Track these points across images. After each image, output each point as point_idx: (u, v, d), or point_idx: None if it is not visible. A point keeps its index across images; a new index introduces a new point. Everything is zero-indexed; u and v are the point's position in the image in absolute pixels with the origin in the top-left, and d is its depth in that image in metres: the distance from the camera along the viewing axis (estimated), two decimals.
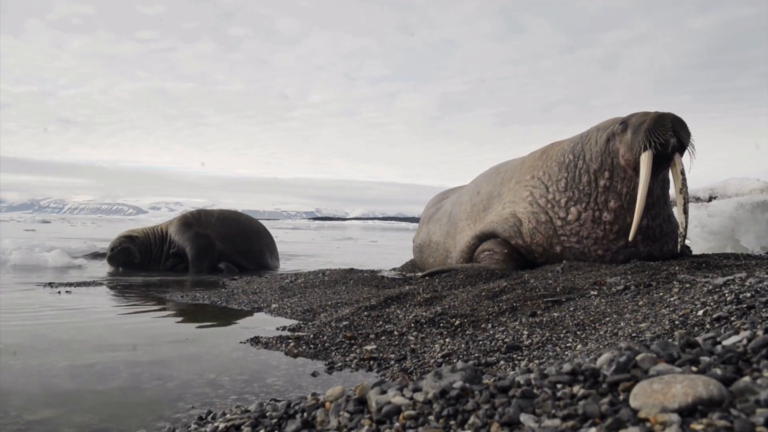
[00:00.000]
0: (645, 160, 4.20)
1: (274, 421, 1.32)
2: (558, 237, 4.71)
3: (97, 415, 2.01)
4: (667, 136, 4.16)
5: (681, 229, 4.22)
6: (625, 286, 3.33)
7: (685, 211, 4.18)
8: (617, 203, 4.46)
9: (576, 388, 1.06)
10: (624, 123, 4.45)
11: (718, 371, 1.00)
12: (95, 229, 27.39)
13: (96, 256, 9.55)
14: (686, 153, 4.31)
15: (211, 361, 2.81)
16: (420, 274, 5.45)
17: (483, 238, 5.24)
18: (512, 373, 1.31)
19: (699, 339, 1.23)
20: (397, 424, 1.08)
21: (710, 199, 7.57)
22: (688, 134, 4.26)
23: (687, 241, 6.26)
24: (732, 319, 2.21)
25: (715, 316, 2.28)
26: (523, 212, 4.95)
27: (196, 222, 8.39)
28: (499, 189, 5.43)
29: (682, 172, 4.19)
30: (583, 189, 4.62)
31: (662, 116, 4.26)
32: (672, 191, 4.64)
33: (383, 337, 3.11)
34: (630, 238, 4.36)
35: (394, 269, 6.94)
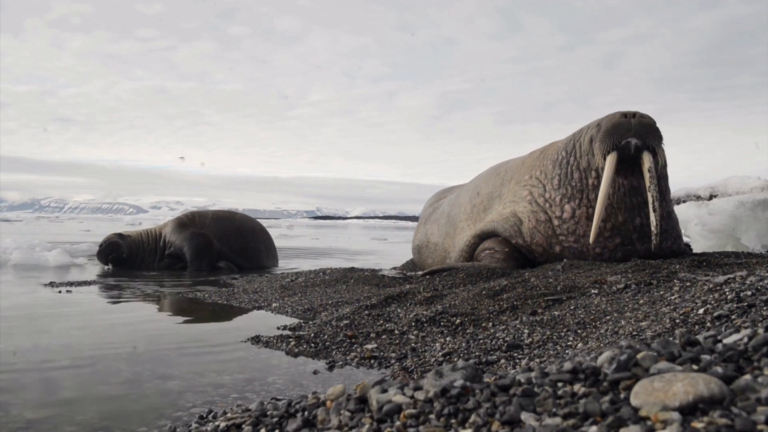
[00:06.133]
0: (608, 163, 4.29)
1: (275, 419, 1.32)
2: (557, 237, 4.71)
3: (98, 413, 2.01)
4: (626, 138, 4.24)
5: (653, 228, 4.19)
6: (625, 284, 3.33)
7: (654, 210, 4.16)
8: (607, 201, 4.47)
9: (577, 387, 1.06)
10: (599, 125, 4.50)
11: (719, 369, 1.00)
12: (62, 227, 27.38)
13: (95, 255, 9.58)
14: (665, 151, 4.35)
15: (211, 359, 2.81)
16: (420, 273, 5.45)
17: (483, 236, 5.23)
18: (513, 371, 1.31)
19: (700, 337, 1.23)
20: (398, 423, 1.08)
21: (711, 197, 7.57)
22: (653, 133, 4.28)
23: (687, 239, 6.27)
24: (733, 317, 2.21)
25: (715, 314, 2.28)
26: (523, 211, 4.95)
27: (191, 223, 8.40)
28: (500, 189, 5.43)
29: (650, 171, 4.18)
30: (576, 185, 4.63)
31: (622, 117, 4.33)
32: (673, 188, 4.65)
33: (384, 336, 3.11)
34: (591, 240, 4.39)
35: (394, 268, 6.94)
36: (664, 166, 4.61)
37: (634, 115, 4.33)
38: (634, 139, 4.23)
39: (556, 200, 4.73)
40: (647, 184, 4.19)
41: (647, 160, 4.21)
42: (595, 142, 4.46)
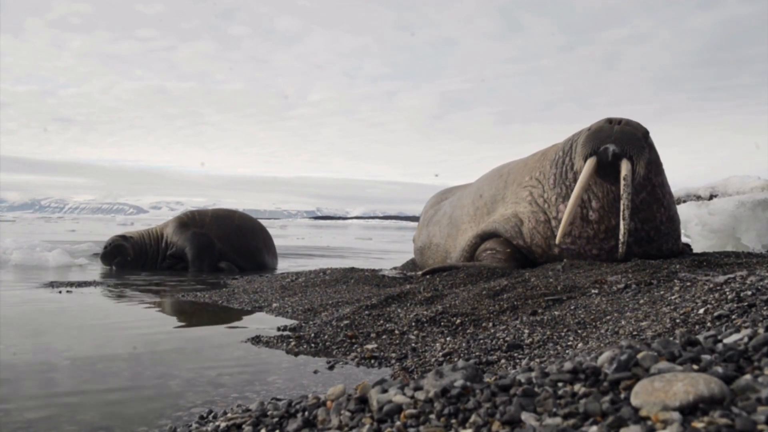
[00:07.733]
0: (584, 167, 4.34)
1: (276, 420, 1.32)
2: (555, 238, 4.72)
3: (98, 413, 2.01)
4: (605, 144, 4.27)
5: (621, 236, 4.21)
6: (625, 284, 3.33)
7: (624, 218, 4.18)
8: (599, 204, 4.49)
9: (577, 387, 1.06)
10: (588, 129, 4.53)
11: (720, 369, 1.00)
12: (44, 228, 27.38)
13: (97, 255, 9.58)
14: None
15: (212, 359, 2.82)
16: (420, 272, 5.45)
17: (485, 237, 5.23)
18: (513, 371, 1.31)
19: (700, 337, 1.23)
20: (398, 423, 1.08)
21: (711, 197, 7.57)
22: (633, 141, 4.28)
23: (687, 239, 6.26)
24: (733, 317, 2.21)
25: (716, 314, 2.28)
26: (524, 212, 4.95)
27: (192, 222, 8.39)
28: (503, 192, 5.43)
29: (625, 179, 4.19)
30: (570, 185, 4.64)
31: (606, 123, 4.38)
32: (674, 188, 4.65)
33: (384, 336, 3.11)
34: (557, 240, 4.45)
35: (394, 268, 6.94)
36: (659, 173, 4.62)
37: (619, 122, 4.36)
38: (612, 145, 4.26)
39: (552, 200, 4.74)
40: (621, 191, 4.21)
41: (624, 168, 4.23)
42: (579, 146, 4.51)
